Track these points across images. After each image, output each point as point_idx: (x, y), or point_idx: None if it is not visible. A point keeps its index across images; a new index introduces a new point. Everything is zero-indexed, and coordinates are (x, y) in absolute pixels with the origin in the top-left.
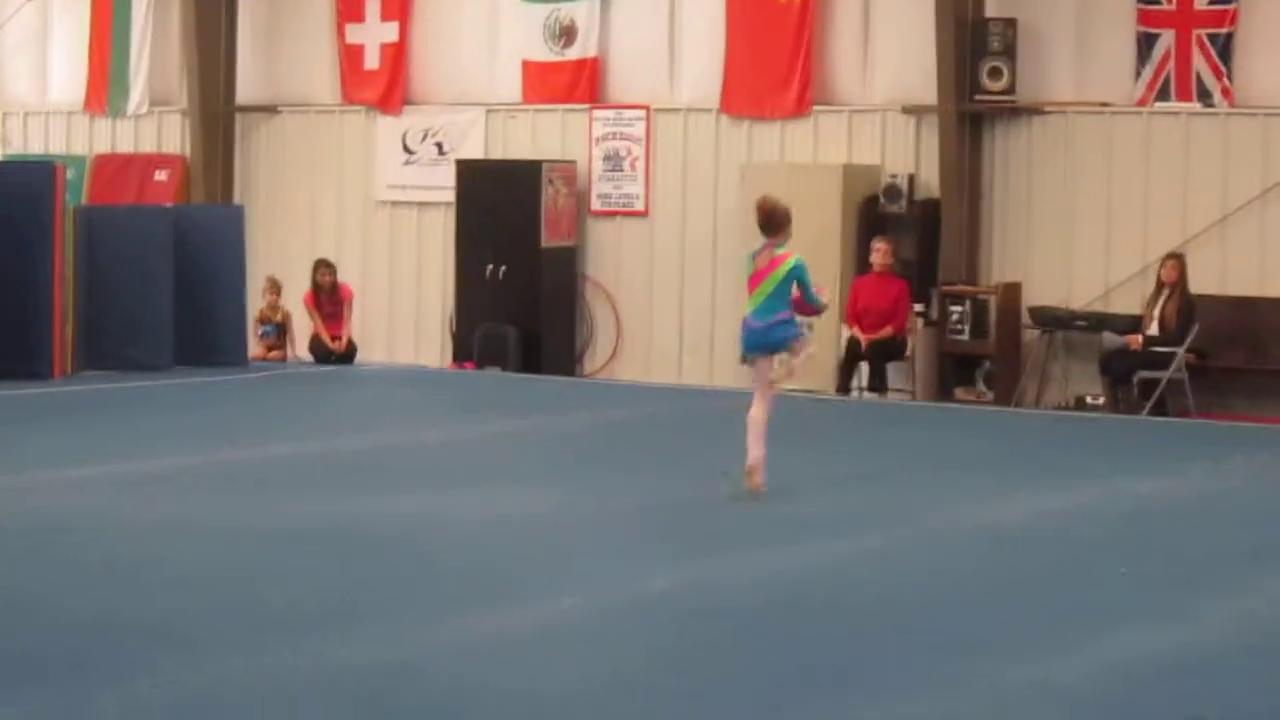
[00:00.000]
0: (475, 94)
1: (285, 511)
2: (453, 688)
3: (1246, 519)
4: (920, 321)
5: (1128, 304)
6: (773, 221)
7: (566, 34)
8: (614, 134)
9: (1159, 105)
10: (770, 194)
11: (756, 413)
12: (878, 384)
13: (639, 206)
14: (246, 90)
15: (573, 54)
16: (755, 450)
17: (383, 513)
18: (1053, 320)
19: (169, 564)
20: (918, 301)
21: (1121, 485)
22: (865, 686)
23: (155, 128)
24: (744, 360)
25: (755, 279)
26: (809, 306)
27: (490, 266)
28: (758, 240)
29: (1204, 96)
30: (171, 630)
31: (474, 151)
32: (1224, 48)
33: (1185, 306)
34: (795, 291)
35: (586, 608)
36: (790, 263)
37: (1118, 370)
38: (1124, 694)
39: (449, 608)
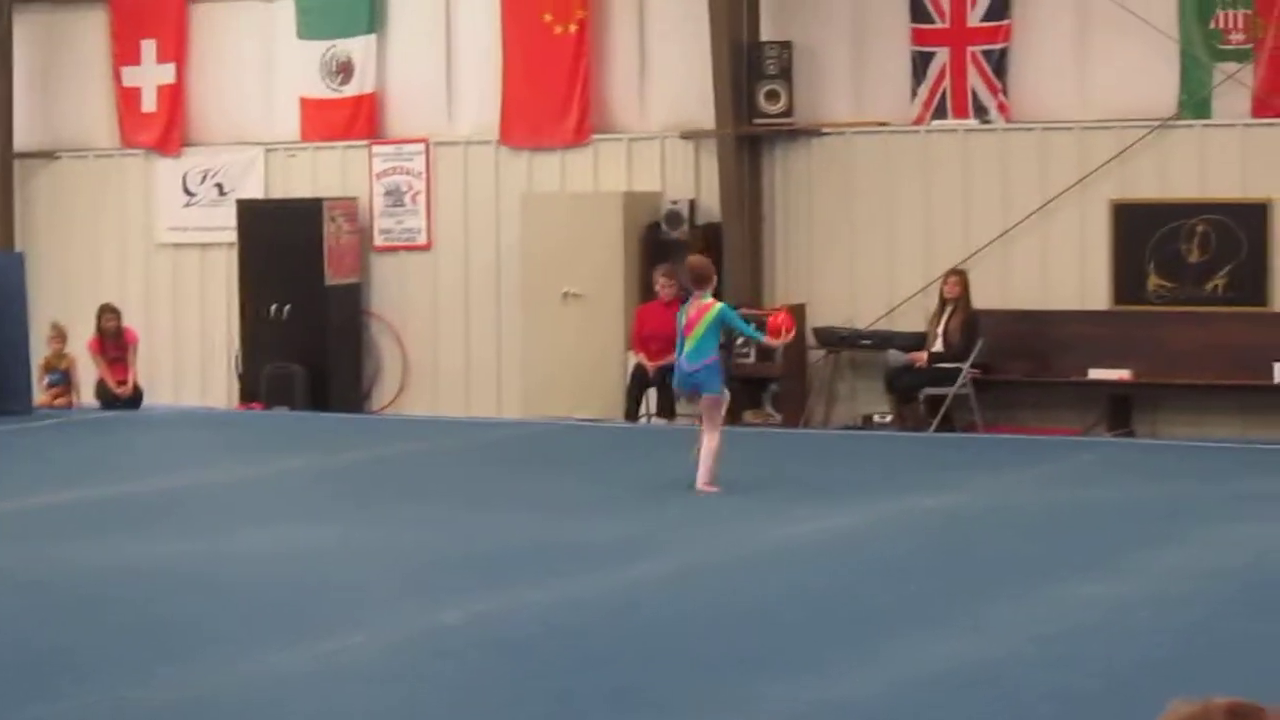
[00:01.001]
0: (254, 133)
1: (76, 556)
2: None
3: (1032, 529)
4: None
5: (913, 321)
6: (702, 277)
7: (344, 70)
8: (394, 169)
9: (936, 123)
10: (696, 255)
11: (704, 443)
12: (666, 409)
13: (421, 240)
14: (24, 136)
15: (350, 90)
16: (700, 471)
17: (175, 553)
18: (837, 340)
19: None
20: None
21: (909, 501)
22: (657, 708)
23: None
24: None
25: (688, 327)
26: (753, 340)
27: (274, 305)
28: (543, 270)
29: (980, 113)
30: None
31: (254, 191)
32: (999, 63)
33: (969, 322)
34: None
35: (377, 642)
36: (715, 309)
37: (903, 387)
38: (916, 707)
39: (241, 645)
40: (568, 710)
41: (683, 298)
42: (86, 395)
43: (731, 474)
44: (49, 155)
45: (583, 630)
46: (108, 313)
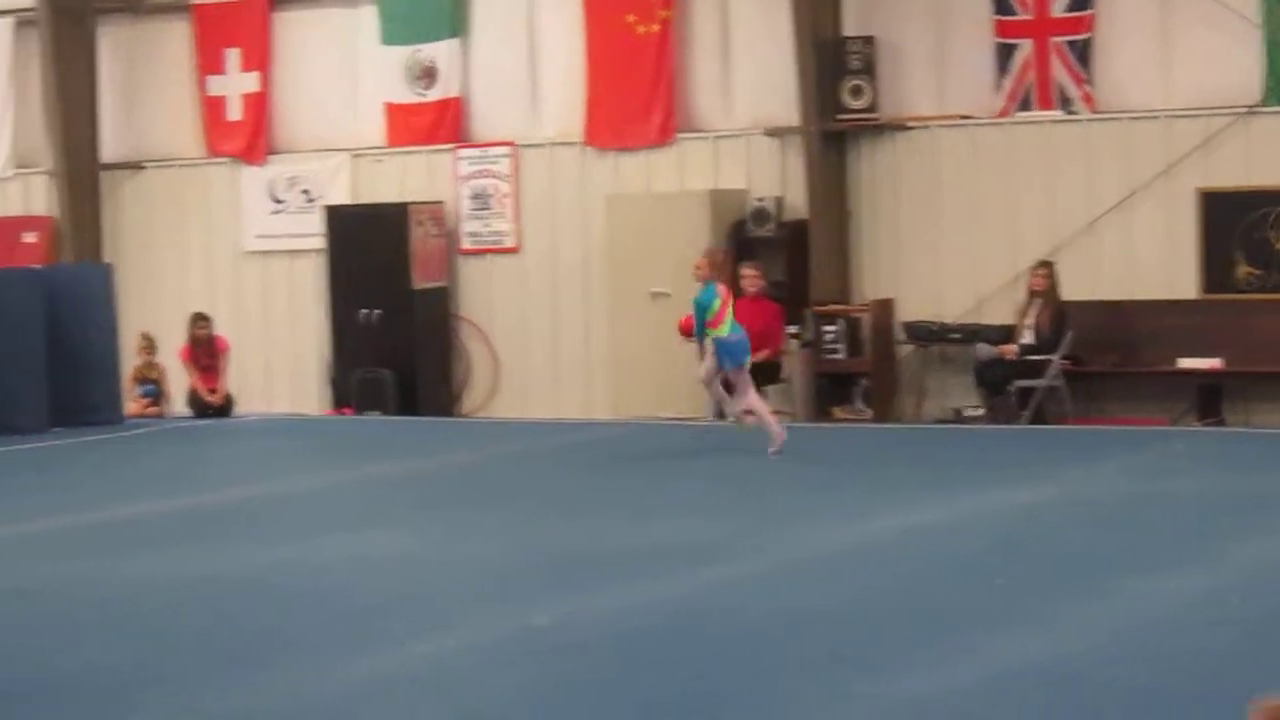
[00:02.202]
0: (340, 139)
1: (163, 566)
2: None
3: (1122, 521)
4: (795, 343)
5: (1000, 314)
6: (726, 267)
7: (428, 75)
8: (480, 172)
9: (1020, 115)
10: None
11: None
12: None
13: (509, 243)
14: (111, 148)
15: (435, 94)
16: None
17: (262, 562)
18: (926, 334)
19: (44, 623)
20: (791, 323)
21: (1000, 495)
22: (743, 710)
23: (21, 190)
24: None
25: (723, 310)
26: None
27: (364, 311)
28: (629, 270)
29: (1065, 104)
30: (49, 689)
31: (341, 197)
32: (1082, 54)
33: (1057, 313)
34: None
35: (464, 647)
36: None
37: (993, 380)
38: (1001, 703)
39: (328, 652)
40: (653, 713)
41: (771, 294)
42: (178, 404)
43: (822, 471)
44: (135, 166)
45: (669, 632)
46: (199, 321)
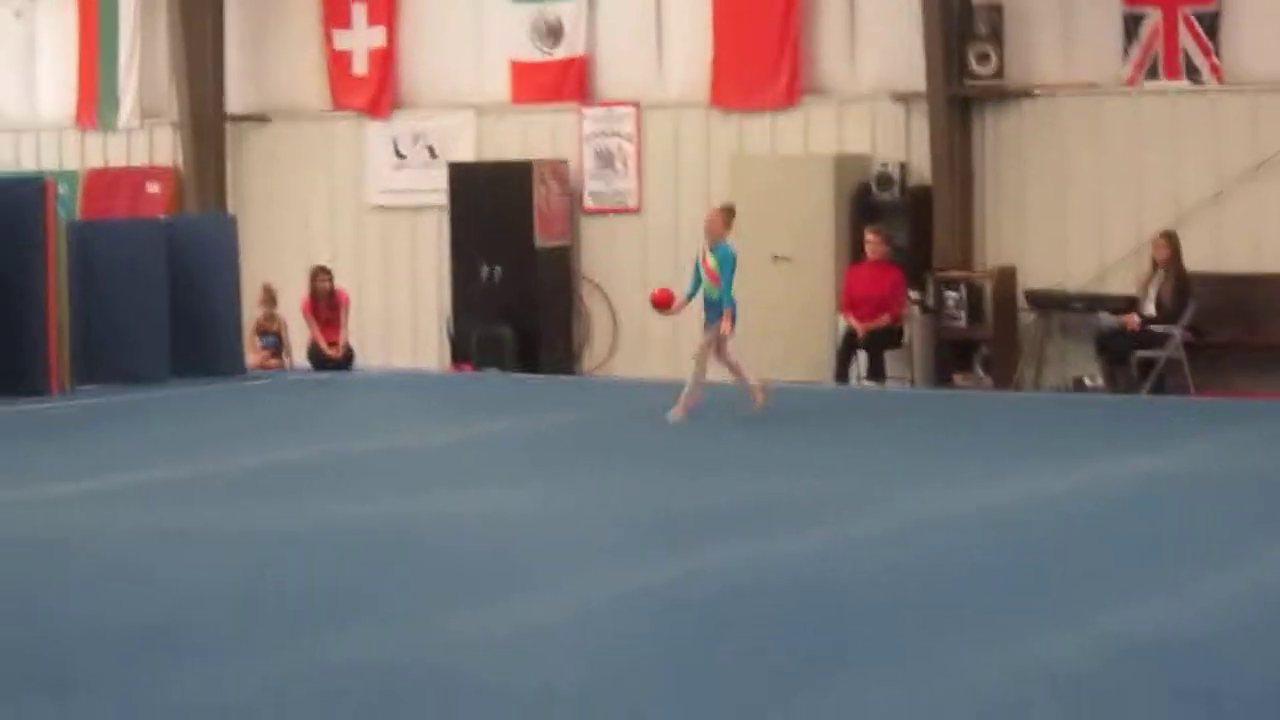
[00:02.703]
0: (465, 96)
1: (283, 516)
2: (444, 684)
3: (1242, 493)
4: (916, 308)
5: (1123, 284)
6: None
7: (554, 33)
8: (604, 131)
9: (1148, 84)
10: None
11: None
12: (875, 372)
13: (631, 203)
14: (236, 99)
15: (560, 53)
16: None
17: (378, 514)
18: (1049, 302)
19: (170, 570)
20: (913, 288)
21: (1121, 464)
22: (857, 670)
23: (146, 140)
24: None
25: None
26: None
27: (485, 268)
28: (751, 233)
29: (1192, 74)
30: (171, 635)
31: (465, 154)
32: (1210, 25)
33: (1180, 285)
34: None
35: (577, 603)
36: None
37: (1115, 350)
38: (1125, 670)
39: (440, 606)
40: (766, 671)
41: (893, 259)
42: (298, 357)
43: (940, 437)
44: (261, 119)
45: (783, 591)
46: (321, 274)
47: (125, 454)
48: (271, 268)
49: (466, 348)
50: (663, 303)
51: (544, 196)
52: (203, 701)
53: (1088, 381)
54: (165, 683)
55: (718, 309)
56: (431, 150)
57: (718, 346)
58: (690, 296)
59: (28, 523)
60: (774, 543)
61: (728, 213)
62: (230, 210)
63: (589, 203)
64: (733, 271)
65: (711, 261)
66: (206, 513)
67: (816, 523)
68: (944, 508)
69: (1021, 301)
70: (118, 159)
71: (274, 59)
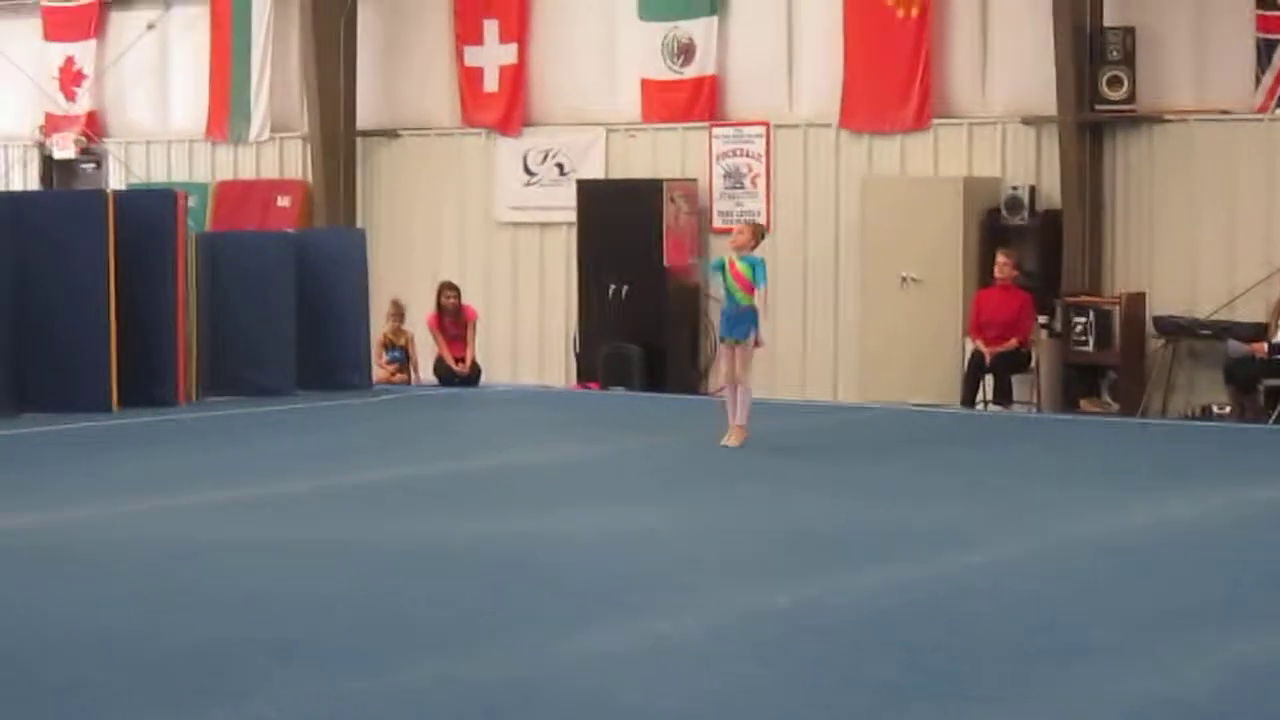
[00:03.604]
0: (595, 114)
1: (410, 531)
2: (573, 703)
3: None
4: (1044, 333)
5: (1253, 312)
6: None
7: (685, 52)
8: (734, 150)
9: (1279, 111)
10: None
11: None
12: (1002, 396)
13: (760, 223)
14: (366, 114)
15: (691, 72)
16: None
17: (506, 531)
18: (1177, 329)
19: (295, 585)
20: (1041, 313)
21: (1248, 493)
22: (981, 700)
23: (276, 153)
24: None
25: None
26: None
27: (613, 285)
28: (881, 255)
29: None
30: (295, 651)
31: (594, 171)
32: None
33: None
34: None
35: (704, 624)
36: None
37: (1243, 379)
38: (1248, 704)
39: (569, 624)
40: (893, 698)
41: (1022, 283)
42: (425, 372)
43: (1069, 462)
44: (391, 133)
45: (909, 617)
46: (448, 290)
47: (250, 466)
48: (400, 282)
49: (593, 366)
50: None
51: (673, 215)
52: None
53: (1215, 409)
54: (279, 701)
55: (742, 322)
56: (561, 167)
57: (737, 365)
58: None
59: (145, 533)
60: (902, 567)
61: (757, 229)
62: (359, 224)
63: (718, 222)
64: (763, 278)
65: (742, 267)
66: (331, 527)
67: (944, 548)
68: (1070, 535)
69: (1150, 328)
70: (248, 172)
71: (405, 74)
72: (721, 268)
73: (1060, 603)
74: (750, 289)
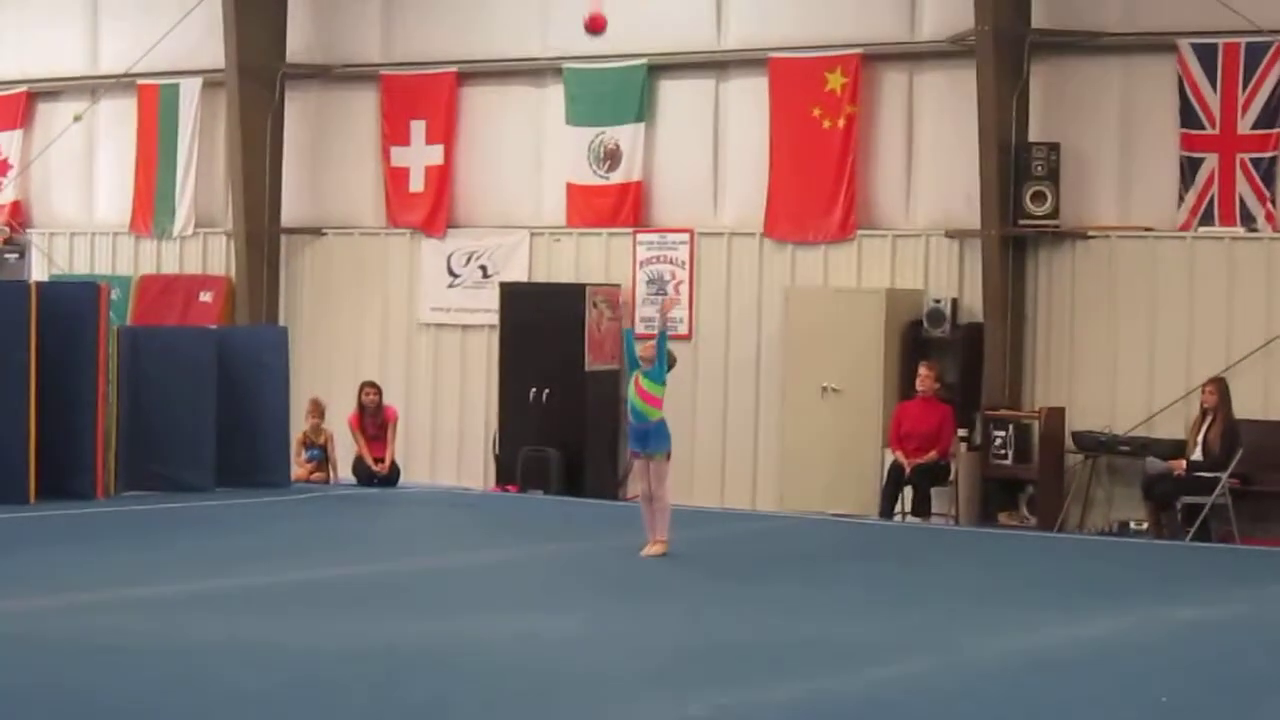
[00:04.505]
0: (520, 217)
1: (326, 632)
2: None
3: None
4: (964, 446)
5: (1172, 428)
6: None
7: (611, 157)
8: (658, 257)
9: (1202, 229)
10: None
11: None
12: (921, 508)
13: (682, 330)
14: (291, 212)
15: (617, 177)
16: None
17: (420, 635)
18: (1096, 445)
19: (215, 684)
20: (961, 426)
21: (1165, 611)
22: None
23: (200, 248)
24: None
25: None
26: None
27: (534, 389)
28: (802, 364)
29: (1247, 220)
30: None
31: (518, 274)
32: (1267, 171)
33: (1229, 431)
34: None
35: None
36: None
37: (1161, 495)
38: None
39: None
40: None
41: (942, 396)
42: (344, 470)
43: (986, 577)
44: (315, 231)
45: None
46: (369, 388)
47: (167, 563)
48: (320, 380)
49: (512, 468)
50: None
51: (596, 319)
52: None
53: (1133, 525)
54: None
55: (655, 436)
56: (484, 269)
57: (654, 480)
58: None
59: (58, 629)
60: (818, 681)
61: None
62: (282, 322)
63: (640, 328)
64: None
65: (645, 383)
66: (247, 627)
67: (858, 662)
68: (985, 651)
69: (1069, 442)
70: (171, 266)
71: (331, 172)
72: (630, 377)
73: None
74: (658, 403)
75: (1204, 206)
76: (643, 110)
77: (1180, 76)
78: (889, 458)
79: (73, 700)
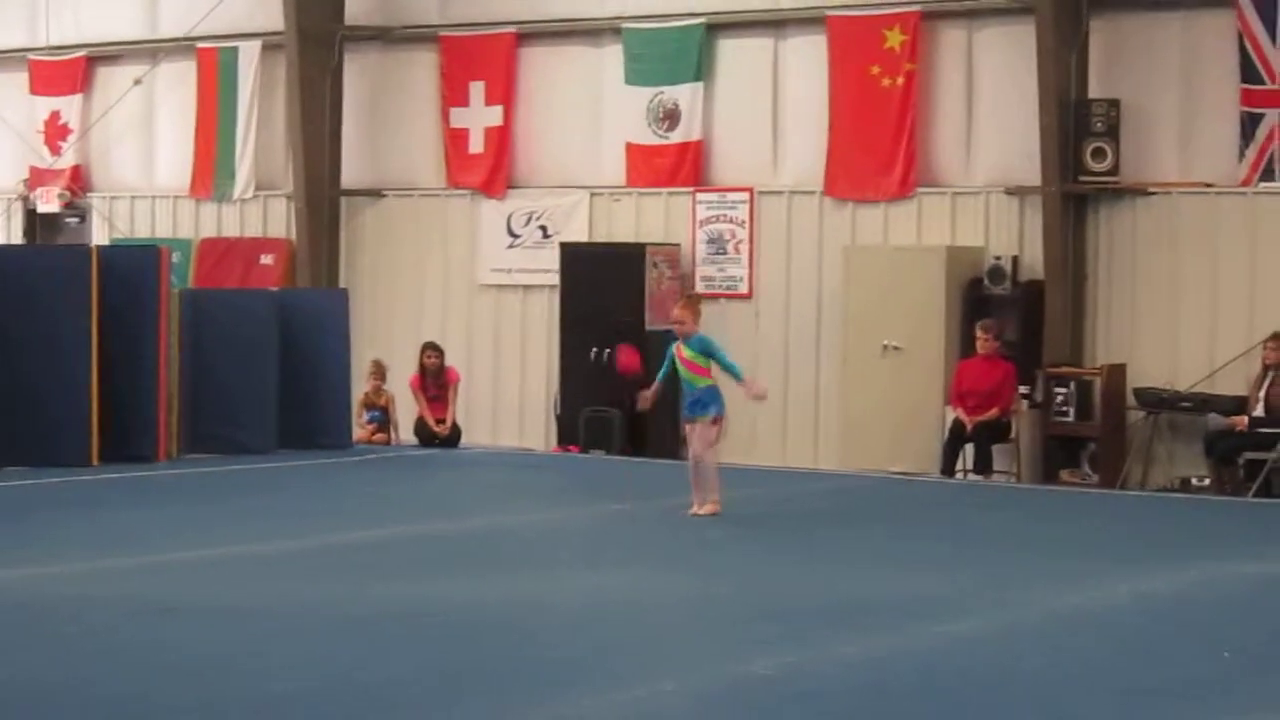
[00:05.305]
0: (579, 177)
1: (386, 595)
2: None
3: None
4: (1025, 403)
5: (1234, 385)
6: None
7: (670, 117)
8: (717, 216)
9: (1263, 185)
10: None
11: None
12: (982, 466)
13: (743, 289)
14: (351, 174)
15: (676, 137)
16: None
17: (484, 595)
18: (1158, 402)
19: (272, 649)
20: (1023, 383)
21: (1227, 567)
22: None
23: (260, 212)
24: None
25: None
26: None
27: (594, 349)
28: (863, 322)
29: None
30: (271, 715)
31: (578, 234)
32: None
33: None
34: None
35: (686, 692)
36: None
37: (1223, 452)
38: None
39: (547, 690)
40: None
41: (1003, 353)
42: (405, 432)
43: (1048, 533)
44: (375, 193)
45: (890, 687)
46: (430, 350)
47: (226, 526)
48: (381, 343)
49: (574, 428)
50: (628, 366)
51: (655, 279)
52: None
53: (1194, 481)
54: None
55: (701, 402)
56: (544, 230)
57: (698, 442)
58: (660, 379)
59: (118, 592)
60: (883, 637)
61: (693, 303)
62: (343, 283)
63: (700, 287)
64: (718, 348)
65: (688, 353)
66: (306, 589)
67: (925, 619)
68: (1051, 607)
69: (1130, 399)
70: (231, 229)
71: (390, 134)
72: (671, 361)
73: (1039, 677)
74: (704, 372)
75: (1264, 162)
76: (701, 69)
77: (1240, 32)
78: (950, 415)
79: (132, 661)
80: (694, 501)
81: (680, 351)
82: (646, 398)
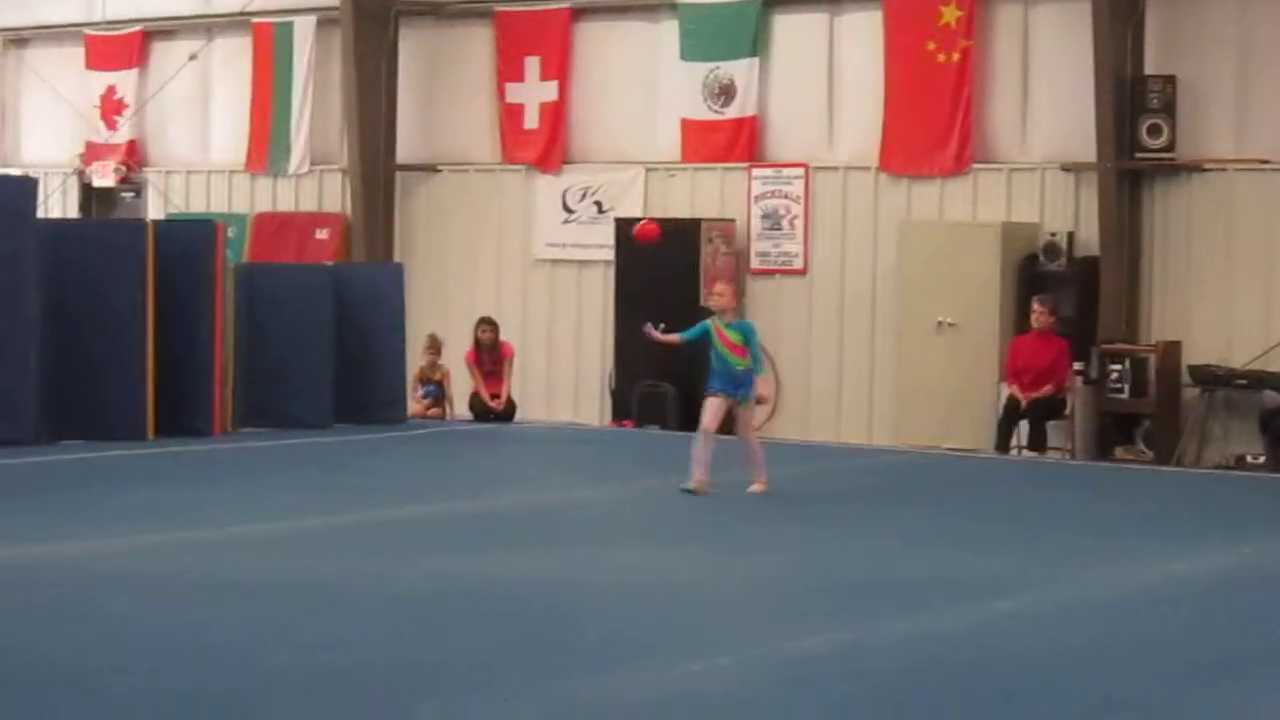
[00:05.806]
0: (634, 153)
1: (440, 570)
2: None
3: None
4: (1080, 380)
5: None
6: None
7: (725, 93)
8: (772, 192)
9: None
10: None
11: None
12: (1037, 442)
13: (797, 265)
14: (406, 149)
15: (731, 113)
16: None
17: (535, 571)
18: (1213, 379)
19: (321, 622)
20: (1077, 360)
21: None
22: None
23: (316, 186)
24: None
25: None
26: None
27: (650, 324)
28: (918, 299)
29: None
30: (320, 690)
31: (633, 210)
32: None
33: None
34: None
35: (736, 669)
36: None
37: (1278, 429)
38: None
39: (597, 667)
40: None
41: (1058, 330)
42: (460, 407)
43: (1103, 511)
44: (430, 168)
45: (945, 665)
46: (485, 325)
47: (281, 500)
48: (436, 317)
49: (628, 404)
50: (645, 234)
51: (710, 255)
52: None
53: (1250, 459)
54: None
55: (743, 384)
56: (599, 205)
57: (741, 426)
58: (684, 339)
59: (173, 565)
60: (937, 614)
61: (736, 287)
62: (398, 258)
63: (755, 263)
64: (757, 341)
65: (731, 336)
66: (357, 564)
67: (979, 596)
68: (1107, 584)
69: (1185, 377)
70: (286, 204)
71: (445, 109)
72: (707, 333)
73: (1096, 654)
74: (744, 353)
75: None
76: (756, 45)
77: None
78: (1004, 392)
79: (186, 637)
80: (692, 475)
81: (721, 332)
82: (660, 337)
